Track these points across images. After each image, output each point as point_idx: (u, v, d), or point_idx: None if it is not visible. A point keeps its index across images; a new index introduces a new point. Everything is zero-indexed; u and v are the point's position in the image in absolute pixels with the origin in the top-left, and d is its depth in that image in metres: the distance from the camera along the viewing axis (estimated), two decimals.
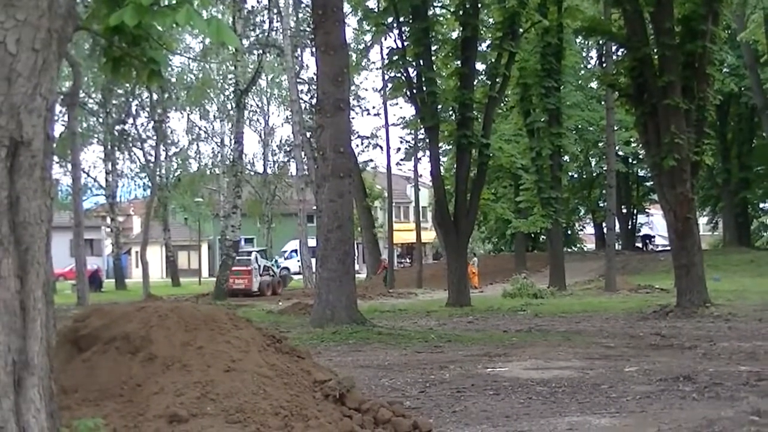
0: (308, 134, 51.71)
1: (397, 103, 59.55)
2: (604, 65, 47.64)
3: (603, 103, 50.63)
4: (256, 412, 8.18)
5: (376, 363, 15.82)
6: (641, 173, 73.71)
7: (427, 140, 38.37)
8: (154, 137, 63.50)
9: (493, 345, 18.62)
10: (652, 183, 58.72)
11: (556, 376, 13.40)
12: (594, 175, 74.08)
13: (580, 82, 62.08)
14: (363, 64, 60.97)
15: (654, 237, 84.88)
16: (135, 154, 67.26)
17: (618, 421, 9.76)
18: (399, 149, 62.33)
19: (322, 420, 8.48)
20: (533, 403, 11.08)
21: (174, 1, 6.06)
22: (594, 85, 62.27)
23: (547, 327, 23.77)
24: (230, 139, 61.34)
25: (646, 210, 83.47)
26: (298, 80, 54.20)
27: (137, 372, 8.49)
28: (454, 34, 37.60)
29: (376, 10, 37.58)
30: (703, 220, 75.73)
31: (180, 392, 8.20)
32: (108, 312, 9.31)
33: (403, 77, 35.55)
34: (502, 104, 46.19)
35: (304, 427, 8.25)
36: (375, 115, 64.19)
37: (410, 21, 34.65)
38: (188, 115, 72.83)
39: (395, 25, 35.36)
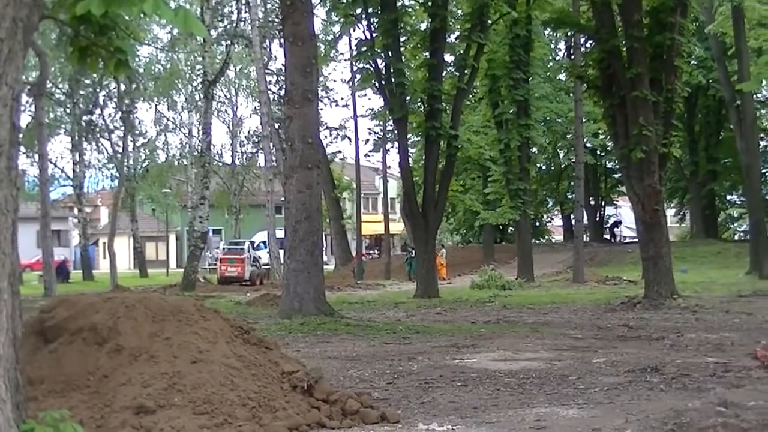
0: (276, 125, 51.55)
1: (365, 95, 59.86)
2: (573, 57, 47.71)
3: (571, 95, 50.82)
4: (223, 403, 8.16)
5: (344, 354, 15.79)
6: (609, 165, 73.74)
7: (396, 132, 38.33)
8: (122, 128, 63.30)
9: (461, 336, 18.59)
10: (620, 175, 58.79)
11: (524, 368, 13.41)
12: (562, 166, 74.21)
13: (548, 73, 62.10)
14: (331, 55, 60.92)
15: (621, 222, 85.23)
16: (102, 144, 67.11)
17: (586, 412, 9.77)
18: (367, 140, 62.52)
19: (290, 411, 8.47)
20: (501, 395, 11.07)
21: None
22: (562, 76, 62.37)
23: (515, 318, 23.77)
24: (198, 130, 61.12)
25: (614, 202, 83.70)
26: (266, 71, 54.02)
27: (104, 363, 8.45)
28: (423, 26, 37.63)
29: (344, 1, 37.44)
30: (670, 212, 76.09)
31: (147, 383, 8.17)
32: (75, 303, 9.25)
33: (371, 68, 35.48)
34: (470, 96, 46.20)
35: (271, 418, 8.24)
36: (343, 106, 64.34)
37: (379, 12, 34.57)
38: (156, 105, 72.76)
39: (364, 16, 35.29)
